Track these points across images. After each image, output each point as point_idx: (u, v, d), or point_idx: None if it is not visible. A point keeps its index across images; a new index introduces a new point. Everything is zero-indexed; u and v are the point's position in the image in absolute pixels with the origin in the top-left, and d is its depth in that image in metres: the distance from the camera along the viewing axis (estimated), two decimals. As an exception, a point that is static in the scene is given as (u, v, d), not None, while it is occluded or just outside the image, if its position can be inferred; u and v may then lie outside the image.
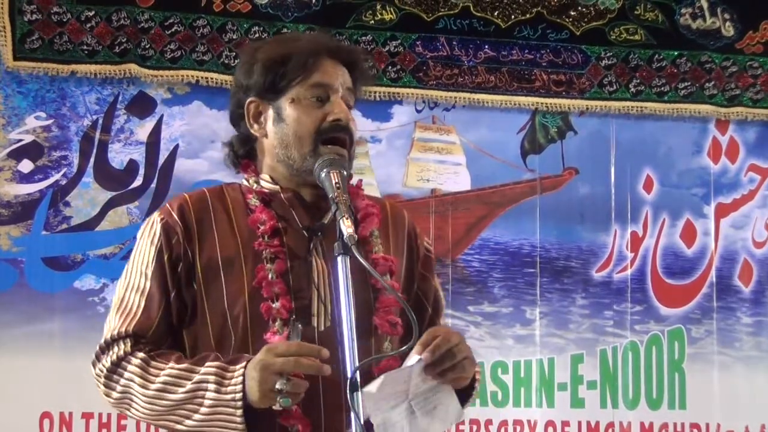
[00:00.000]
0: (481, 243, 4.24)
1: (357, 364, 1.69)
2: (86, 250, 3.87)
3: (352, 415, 1.68)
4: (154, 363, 1.82)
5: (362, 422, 1.67)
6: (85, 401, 3.75)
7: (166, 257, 1.87)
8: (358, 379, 1.69)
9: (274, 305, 1.84)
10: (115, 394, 1.85)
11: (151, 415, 1.82)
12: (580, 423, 4.23)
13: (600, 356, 4.28)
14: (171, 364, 1.81)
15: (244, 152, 2.00)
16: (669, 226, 4.43)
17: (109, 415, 3.77)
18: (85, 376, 3.78)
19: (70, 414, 3.76)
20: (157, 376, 1.80)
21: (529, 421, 4.17)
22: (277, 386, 1.69)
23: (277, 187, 1.94)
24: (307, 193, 1.95)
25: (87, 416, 3.78)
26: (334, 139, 1.91)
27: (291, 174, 1.93)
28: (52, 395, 3.74)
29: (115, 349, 1.85)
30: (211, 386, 1.75)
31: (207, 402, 1.76)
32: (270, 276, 1.85)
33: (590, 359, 4.26)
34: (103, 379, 1.86)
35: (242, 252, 1.88)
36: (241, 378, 1.73)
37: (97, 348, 1.88)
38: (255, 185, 1.95)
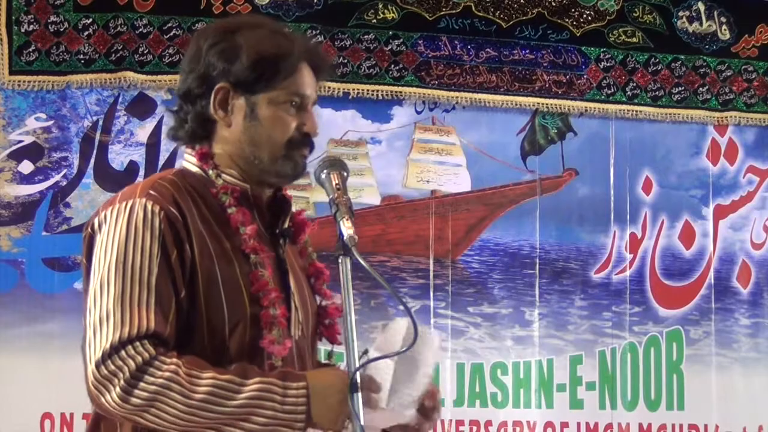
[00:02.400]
0: (481, 244, 4.25)
1: (355, 365, 1.70)
2: (86, 251, 3.87)
3: (352, 415, 1.69)
4: (190, 371, 1.71)
5: (362, 423, 1.68)
6: (85, 402, 3.74)
7: (174, 255, 1.76)
8: (359, 380, 1.70)
9: (273, 313, 1.81)
10: (136, 401, 1.69)
11: (186, 426, 1.70)
12: (579, 424, 4.23)
13: (599, 357, 4.29)
14: (212, 374, 1.70)
15: (199, 131, 1.89)
16: (668, 228, 4.44)
17: (109, 416, 3.77)
18: (86, 377, 3.74)
19: (71, 415, 3.77)
20: (197, 385, 1.70)
21: (528, 422, 4.18)
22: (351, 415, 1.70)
23: (248, 185, 1.88)
24: (266, 192, 1.92)
25: (88, 417, 3.75)
26: (302, 151, 1.89)
27: (252, 172, 1.88)
28: (53, 396, 3.74)
29: (134, 351, 1.70)
30: (268, 403, 1.70)
31: (262, 420, 1.69)
32: (269, 283, 1.82)
33: (589, 360, 4.27)
34: (121, 383, 1.68)
35: (233, 256, 1.82)
36: (304, 399, 1.70)
37: (105, 346, 1.70)
38: (218, 179, 1.87)
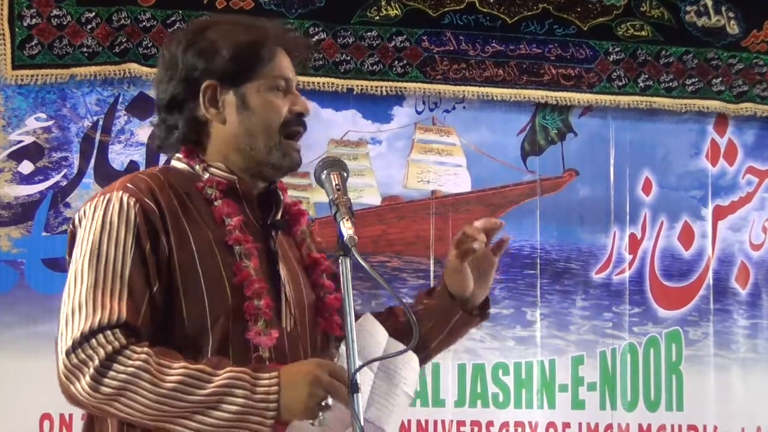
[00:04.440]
0: (481, 244, 4.24)
1: (356, 365, 1.70)
2: (87, 251, 3.87)
3: (352, 415, 1.69)
4: (160, 360, 1.72)
5: (362, 423, 1.68)
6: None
7: (148, 246, 1.77)
8: (358, 381, 1.70)
9: (257, 304, 1.81)
10: (106, 389, 1.69)
11: (155, 415, 1.71)
12: (580, 424, 4.23)
13: (600, 358, 4.29)
14: (183, 364, 1.71)
15: (190, 134, 1.89)
16: (667, 228, 4.44)
17: (109, 417, 3.77)
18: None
19: (71, 416, 3.76)
20: (167, 374, 1.70)
21: (530, 423, 4.18)
22: (324, 402, 1.68)
23: (235, 177, 1.89)
24: (258, 185, 1.92)
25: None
26: (295, 132, 1.91)
27: (248, 164, 1.89)
28: (53, 397, 3.70)
29: (104, 339, 1.70)
30: (239, 391, 1.69)
31: (233, 408, 1.69)
32: (252, 273, 1.82)
33: (590, 361, 4.27)
34: (91, 371, 1.69)
35: (215, 247, 1.82)
36: (276, 387, 1.70)
37: (75, 335, 1.71)
38: (204, 173, 1.88)
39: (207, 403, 1.70)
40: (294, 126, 1.90)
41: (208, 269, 1.80)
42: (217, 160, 1.89)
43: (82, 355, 1.71)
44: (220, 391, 1.70)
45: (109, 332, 1.71)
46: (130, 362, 1.70)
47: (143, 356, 1.71)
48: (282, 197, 1.95)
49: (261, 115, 1.88)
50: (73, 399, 1.74)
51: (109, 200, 1.79)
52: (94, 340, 1.71)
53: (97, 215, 1.79)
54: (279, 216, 1.94)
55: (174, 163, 1.92)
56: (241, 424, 1.70)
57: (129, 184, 1.81)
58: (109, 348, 1.70)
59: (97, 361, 1.70)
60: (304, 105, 1.91)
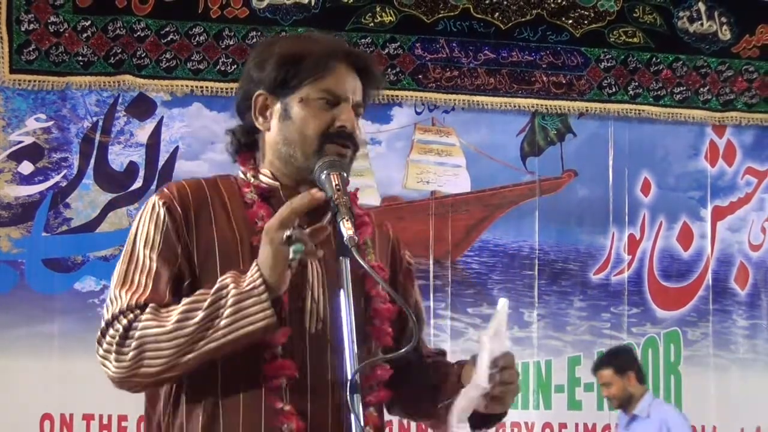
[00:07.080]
0: (480, 245, 4.25)
1: (356, 366, 1.70)
2: (86, 251, 3.89)
3: (352, 416, 1.69)
4: (163, 309, 1.80)
5: (362, 423, 1.68)
6: (85, 403, 3.76)
7: (174, 239, 1.86)
8: (358, 381, 1.71)
9: None
10: (129, 357, 1.79)
11: (174, 353, 1.78)
12: (577, 425, 4.24)
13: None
14: (183, 300, 1.79)
15: (246, 142, 1.98)
16: (666, 229, 4.44)
17: (109, 417, 3.78)
18: (86, 378, 3.78)
19: (71, 416, 3.78)
20: (170, 314, 1.78)
21: (526, 423, 4.19)
22: (287, 234, 1.72)
23: (277, 183, 1.93)
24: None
25: (87, 418, 3.79)
26: (338, 144, 1.90)
27: (290, 171, 1.92)
28: (53, 397, 3.75)
29: (124, 319, 1.80)
30: (231, 289, 1.76)
31: (229, 302, 1.75)
32: None
33: (588, 361, 4.27)
34: (114, 347, 1.79)
35: (240, 247, 1.86)
36: (257, 270, 1.75)
37: (102, 325, 1.82)
38: (252, 179, 1.94)
39: (209, 316, 1.76)
40: (335, 139, 1.89)
41: (226, 269, 1.84)
42: (266, 167, 1.95)
43: (107, 338, 1.81)
44: (214, 299, 1.77)
45: (129, 312, 1.81)
46: (141, 322, 1.79)
47: (148, 314, 1.79)
48: (324, 205, 1.93)
49: (299, 126, 1.90)
50: (114, 381, 1.83)
51: (146, 205, 1.91)
52: (114, 323, 1.81)
53: (136, 219, 1.92)
54: (326, 222, 1.94)
55: (238, 172, 1.99)
56: (242, 312, 1.75)
57: (165, 189, 1.93)
58: (125, 322, 1.80)
59: (118, 337, 1.80)
60: (349, 120, 1.88)
